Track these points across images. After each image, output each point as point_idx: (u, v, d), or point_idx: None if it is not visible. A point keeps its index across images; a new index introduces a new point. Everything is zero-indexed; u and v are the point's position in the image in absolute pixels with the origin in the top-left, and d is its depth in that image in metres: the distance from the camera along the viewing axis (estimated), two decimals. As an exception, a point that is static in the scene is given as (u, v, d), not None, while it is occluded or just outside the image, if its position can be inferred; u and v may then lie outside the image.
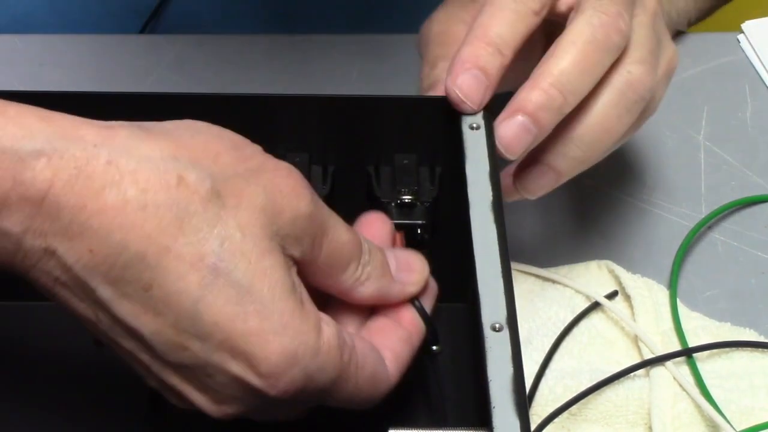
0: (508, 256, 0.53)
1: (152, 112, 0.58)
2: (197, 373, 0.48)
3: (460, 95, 0.57)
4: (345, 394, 0.50)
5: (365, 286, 0.52)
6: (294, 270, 0.49)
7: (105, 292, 0.47)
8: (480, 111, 0.58)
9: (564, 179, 0.61)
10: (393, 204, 0.58)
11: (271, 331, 0.47)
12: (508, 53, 0.58)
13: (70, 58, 0.80)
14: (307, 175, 0.58)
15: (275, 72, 0.80)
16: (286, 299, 0.48)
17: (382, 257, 0.53)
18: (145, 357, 0.49)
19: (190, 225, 0.47)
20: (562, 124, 0.59)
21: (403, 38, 0.85)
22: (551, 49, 0.59)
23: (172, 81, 0.79)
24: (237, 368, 0.48)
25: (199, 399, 0.49)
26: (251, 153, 0.50)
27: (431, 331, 0.54)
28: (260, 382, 0.48)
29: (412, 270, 0.54)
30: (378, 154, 0.59)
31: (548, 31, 0.63)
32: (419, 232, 0.58)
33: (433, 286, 0.55)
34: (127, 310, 0.47)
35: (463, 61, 0.58)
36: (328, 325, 0.49)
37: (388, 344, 0.53)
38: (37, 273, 0.47)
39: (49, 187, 0.45)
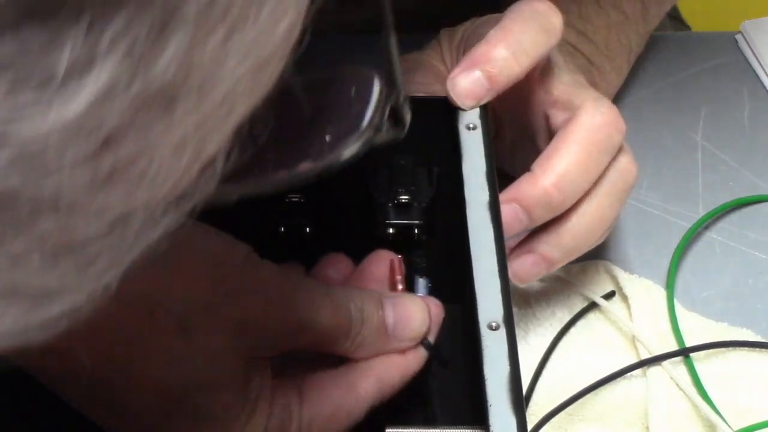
0: (504, 255, 0.53)
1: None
2: None
3: (458, 92, 0.57)
4: None
5: (359, 352, 0.53)
6: (263, 367, 0.51)
7: (76, 402, 0.50)
8: (477, 108, 0.58)
9: (554, 269, 0.61)
10: (390, 204, 0.58)
11: None
12: (525, 61, 0.58)
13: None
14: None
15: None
16: (241, 411, 0.50)
17: (377, 321, 0.53)
18: None
19: (159, 358, 0.49)
20: (557, 220, 0.59)
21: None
22: (554, 143, 0.58)
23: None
24: None
25: None
26: (231, 270, 0.50)
27: (436, 355, 0.54)
28: None
29: (410, 321, 0.54)
30: (375, 155, 0.59)
31: (515, 120, 0.64)
32: (416, 232, 0.58)
33: (438, 314, 0.55)
34: (97, 417, 0.50)
35: (468, 59, 0.58)
36: (277, 407, 0.51)
37: (376, 371, 0.53)
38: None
39: None
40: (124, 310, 0.48)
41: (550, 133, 0.60)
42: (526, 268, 0.60)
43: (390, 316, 0.53)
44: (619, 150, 0.60)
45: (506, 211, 0.57)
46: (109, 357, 0.48)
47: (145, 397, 0.49)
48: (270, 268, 0.51)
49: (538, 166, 0.58)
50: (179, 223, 0.30)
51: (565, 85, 0.60)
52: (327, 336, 0.51)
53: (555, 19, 0.59)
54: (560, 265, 0.61)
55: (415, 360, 0.54)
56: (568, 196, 0.58)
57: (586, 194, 0.59)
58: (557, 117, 0.60)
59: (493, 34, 0.58)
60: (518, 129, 0.64)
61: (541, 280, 0.68)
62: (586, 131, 0.58)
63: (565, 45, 0.68)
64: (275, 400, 0.51)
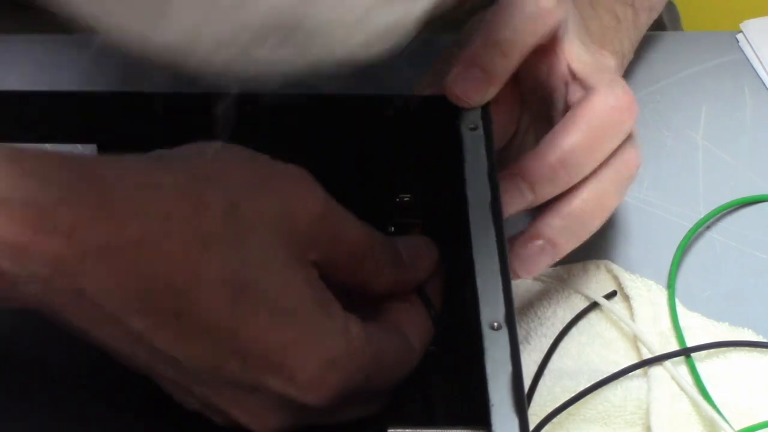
0: (506, 255, 0.53)
1: (152, 111, 0.58)
2: (238, 391, 0.48)
3: (458, 92, 0.58)
4: (379, 383, 0.51)
5: (382, 276, 0.53)
6: (315, 274, 0.50)
7: (138, 325, 0.47)
8: (478, 106, 0.58)
9: (559, 257, 0.60)
10: (392, 203, 0.58)
11: (304, 341, 0.48)
12: (515, 55, 0.58)
13: (70, 58, 0.80)
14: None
15: (274, 72, 0.80)
16: (312, 307, 0.48)
17: (394, 247, 0.54)
18: (185, 382, 0.49)
19: (215, 244, 0.47)
20: (560, 201, 0.59)
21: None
22: (564, 121, 0.59)
23: (172, 81, 0.79)
24: (276, 383, 0.48)
25: (243, 417, 0.49)
26: (260, 164, 0.51)
27: (433, 317, 0.54)
28: (300, 393, 0.48)
29: (422, 256, 0.55)
30: (377, 154, 0.59)
31: (523, 104, 0.64)
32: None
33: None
34: (162, 340, 0.47)
35: (464, 59, 0.58)
36: (353, 323, 0.50)
37: (409, 320, 0.54)
38: (69, 314, 0.48)
39: (71, 231, 0.45)
40: (169, 201, 0.47)
41: (567, 108, 0.60)
42: (534, 257, 0.60)
43: (402, 250, 0.54)
44: (627, 138, 0.60)
45: (509, 184, 0.57)
46: (166, 259, 0.46)
47: (210, 291, 0.47)
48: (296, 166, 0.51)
49: (545, 141, 0.58)
50: None
51: (584, 63, 0.61)
52: (357, 248, 0.52)
53: (543, 2, 0.59)
54: (564, 253, 0.61)
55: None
56: (573, 175, 0.58)
57: (591, 176, 0.59)
58: (575, 93, 0.60)
59: (483, 32, 0.59)
60: (539, 100, 0.63)
61: (543, 280, 0.68)
62: (597, 112, 0.58)
63: None
64: (347, 312, 0.50)
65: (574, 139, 0.58)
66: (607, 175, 0.60)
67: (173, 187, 0.47)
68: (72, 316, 0.48)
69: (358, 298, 0.54)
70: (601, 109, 0.58)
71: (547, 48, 0.60)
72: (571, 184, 0.58)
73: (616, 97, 0.59)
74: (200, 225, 0.47)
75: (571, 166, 0.58)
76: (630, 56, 0.75)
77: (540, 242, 0.59)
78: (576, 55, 0.61)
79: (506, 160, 0.61)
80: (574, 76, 0.60)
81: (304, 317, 0.48)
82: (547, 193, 0.58)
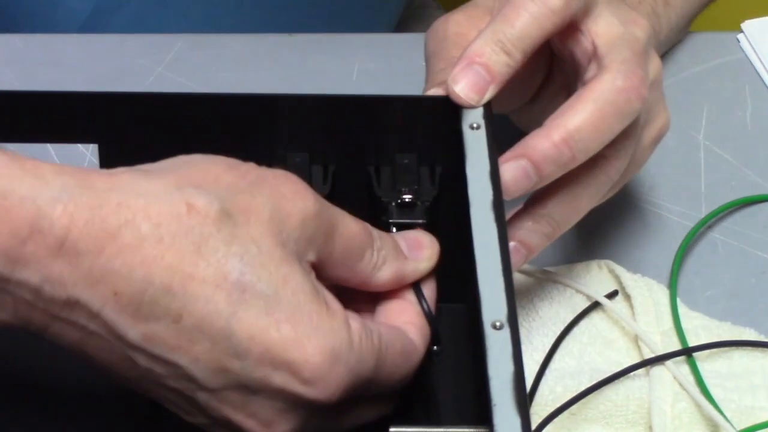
0: (508, 254, 0.53)
1: (152, 112, 0.58)
2: (243, 394, 0.48)
3: (458, 90, 0.58)
4: (385, 377, 0.51)
5: (383, 270, 0.53)
6: (312, 275, 0.50)
7: (136, 332, 0.47)
8: (479, 105, 0.58)
9: (531, 257, 0.61)
10: (393, 204, 0.58)
11: (305, 335, 0.48)
12: (516, 54, 0.58)
13: (70, 58, 0.81)
14: (308, 175, 0.58)
15: (275, 72, 0.80)
16: (311, 301, 0.48)
17: (392, 240, 0.54)
18: (187, 390, 0.49)
19: (208, 247, 0.47)
20: (534, 201, 0.60)
21: (403, 38, 0.85)
22: (570, 101, 0.59)
23: (172, 81, 0.79)
24: (280, 379, 0.48)
25: (250, 423, 0.49)
26: (247, 169, 0.51)
27: (427, 315, 0.54)
28: (306, 389, 0.48)
29: (422, 247, 0.55)
30: (378, 154, 0.59)
31: (554, 67, 0.64)
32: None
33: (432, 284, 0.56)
34: (162, 346, 0.47)
35: (466, 57, 0.58)
36: (353, 318, 0.50)
37: (407, 319, 0.54)
38: (61, 326, 0.47)
39: (66, 234, 0.45)
40: (160, 207, 0.47)
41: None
42: (533, 233, 0.60)
43: (402, 242, 0.55)
44: (619, 141, 0.59)
45: (515, 167, 0.57)
46: (160, 264, 0.46)
47: (208, 292, 0.47)
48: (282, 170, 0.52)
49: (550, 120, 0.58)
50: None
51: (609, 37, 0.60)
52: (355, 243, 0.52)
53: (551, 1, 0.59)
54: (535, 254, 0.61)
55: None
56: (578, 155, 0.58)
57: (564, 180, 0.59)
58: (591, 70, 0.60)
59: (486, 29, 0.59)
60: (567, 73, 0.63)
61: (544, 280, 0.68)
62: (604, 92, 0.58)
63: None
64: (345, 309, 0.50)
65: (579, 118, 0.57)
66: (581, 177, 0.60)
67: (164, 195, 0.47)
68: (65, 328, 0.47)
69: (357, 298, 0.54)
70: (607, 89, 0.58)
71: (571, 27, 0.60)
72: (575, 165, 0.58)
73: (624, 78, 0.58)
74: (193, 230, 0.47)
75: (576, 146, 0.57)
76: (665, 31, 0.76)
77: (512, 243, 0.59)
78: (603, 29, 0.60)
79: (528, 122, 0.62)
80: (594, 54, 0.60)
81: (304, 313, 0.48)
82: (551, 173, 0.58)
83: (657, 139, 0.64)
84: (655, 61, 0.63)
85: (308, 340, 0.47)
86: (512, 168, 0.57)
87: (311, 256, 0.50)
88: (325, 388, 0.48)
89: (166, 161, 0.50)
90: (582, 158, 0.58)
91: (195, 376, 0.48)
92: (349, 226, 0.52)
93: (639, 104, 0.59)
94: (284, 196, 0.50)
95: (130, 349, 0.47)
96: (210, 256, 0.47)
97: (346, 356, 0.48)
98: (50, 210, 0.45)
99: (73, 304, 0.46)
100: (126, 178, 0.48)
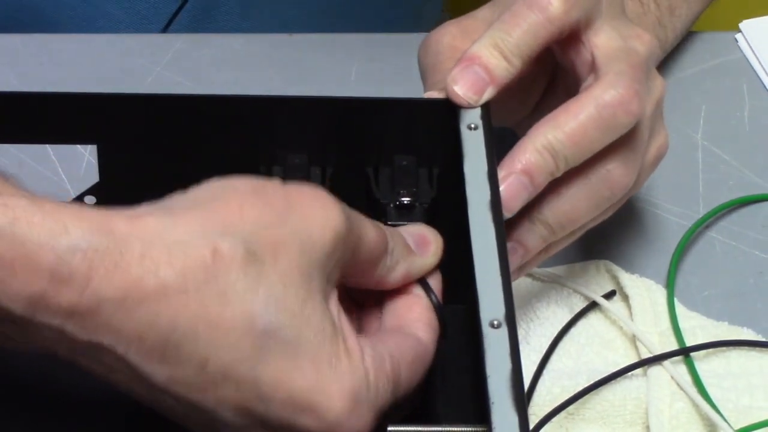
0: (506, 254, 0.53)
1: (151, 113, 0.58)
2: (267, 431, 0.48)
3: (457, 90, 0.58)
4: (403, 390, 0.51)
5: (396, 270, 0.53)
6: (334, 297, 0.50)
7: (161, 375, 0.46)
8: (478, 106, 0.58)
9: (529, 257, 0.61)
10: (392, 205, 0.58)
11: (328, 380, 0.47)
12: (515, 60, 0.58)
13: (70, 58, 0.81)
14: (306, 176, 0.58)
15: (275, 72, 0.80)
16: (331, 342, 0.48)
17: (402, 238, 0.54)
18: (211, 426, 0.48)
19: (235, 293, 0.46)
20: (532, 204, 0.60)
21: (402, 38, 0.85)
22: (559, 109, 0.59)
23: (172, 81, 0.79)
24: (305, 421, 0.48)
25: None
26: (273, 192, 0.50)
27: (436, 308, 0.54)
28: (335, 429, 0.48)
29: (428, 242, 0.55)
30: (377, 156, 0.59)
31: (558, 76, 0.64)
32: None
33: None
34: (187, 389, 0.47)
35: (465, 58, 0.58)
36: (365, 345, 0.50)
37: (416, 316, 0.54)
38: (87, 361, 0.47)
39: (87, 282, 0.45)
40: (185, 256, 0.46)
41: None
42: (529, 233, 0.60)
43: (409, 239, 0.55)
44: (617, 158, 0.60)
45: (509, 183, 0.57)
46: (185, 313, 0.46)
47: (233, 341, 0.46)
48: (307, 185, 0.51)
49: (536, 126, 0.59)
50: None
51: (608, 50, 0.60)
52: (375, 249, 0.52)
53: (552, 9, 0.59)
54: (532, 254, 0.61)
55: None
56: (560, 164, 0.58)
57: (564, 188, 0.59)
58: (588, 81, 0.60)
59: (487, 31, 0.59)
60: (571, 82, 0.63)
61: (542, 280, 0.68)
62: (589, 106, 0.58)
63: None
64: (360, 335, 0.50)
65: (559, 130, 0.58)
66: (580, 191, 0.60)
67: (188, 243, 0.46)
68: (91, 363, 0.47)
69: (364, 296, 0.55)
70: (595, 104, 0.58)
71: (573, 38, 0.60)
72: (560, 173, 0.58)
73: (613, 92, 0.58)
74: (218, 277, 0.46)
75: (557, 156, 0.58)
76: (671, 40, 0.76)
77: (510, 243, 0.59)
78: (603, 41, 0.60)
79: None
80: (593, 64, 0.60)
81: (323, 355, 0.48)
82: (542, 180, 0.58)
83: (657, 159, 0.64)
84: (657, 80, 0.63)
85: (330, 384, 0.47)
86: (513, 183, 0.57)
87: (337, 274, 0.50)
88: (352, 425, 0.48)
89: (191, 193, 0.49)
90: (563, 167, 0.58)
91: (220, 416, 0.48)
92: (370, 235, 0.51)
93: (627, 118, 0.59)
94: (314, 220, 0.49)
95: (155, 389, 0.47)
96: (236, 304, 0.46)
97: (365, 395, 0.48)
98: (69, 257, 0.45)
99: (96, 346, 0.46)
100: (150, 223, 0.47)
